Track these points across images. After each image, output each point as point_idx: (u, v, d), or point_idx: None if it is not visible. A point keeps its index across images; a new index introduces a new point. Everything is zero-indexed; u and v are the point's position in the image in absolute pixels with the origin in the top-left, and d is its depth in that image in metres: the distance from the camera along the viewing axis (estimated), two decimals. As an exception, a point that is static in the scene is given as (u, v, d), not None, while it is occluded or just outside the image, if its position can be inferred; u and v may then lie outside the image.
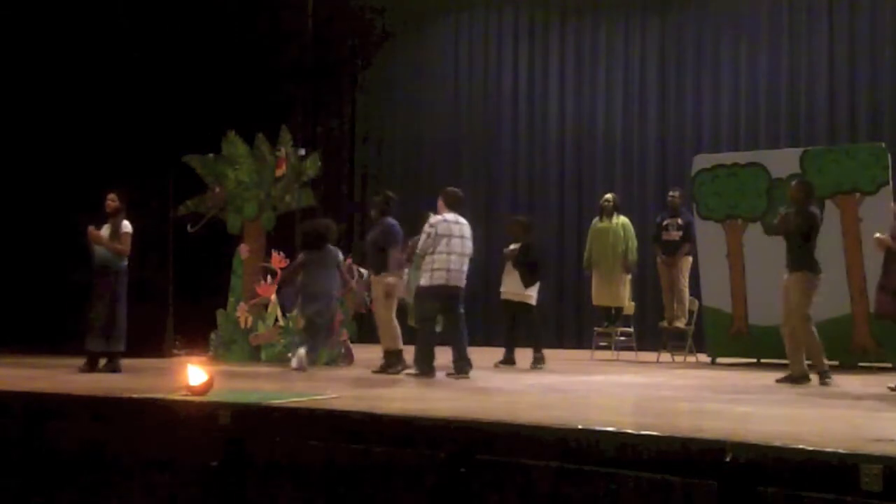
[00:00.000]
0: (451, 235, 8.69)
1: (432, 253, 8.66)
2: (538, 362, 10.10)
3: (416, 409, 5.85)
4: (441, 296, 8.69)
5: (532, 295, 10.30)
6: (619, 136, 14.48)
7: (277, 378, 8.66)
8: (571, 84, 14.88)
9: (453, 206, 8.95)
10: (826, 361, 8.37)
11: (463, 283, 8.81)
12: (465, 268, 8.81)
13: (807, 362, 8.46)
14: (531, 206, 14.64)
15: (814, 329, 8.30)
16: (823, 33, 13.29)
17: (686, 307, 11.76)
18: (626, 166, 14.40)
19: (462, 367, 8.73)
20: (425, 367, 8.68)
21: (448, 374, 8.72)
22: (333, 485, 5.43)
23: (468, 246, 8.84)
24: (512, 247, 10.45)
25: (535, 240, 10.71)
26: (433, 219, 8.87)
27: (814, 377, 8.35)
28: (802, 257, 8.28)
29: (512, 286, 10.34)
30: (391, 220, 9.44)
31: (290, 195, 11.43)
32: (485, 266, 12.42)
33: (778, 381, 8.40)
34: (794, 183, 8.82)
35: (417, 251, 8.88)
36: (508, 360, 10.29)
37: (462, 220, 8.90)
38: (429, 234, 8.71)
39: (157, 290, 11.51)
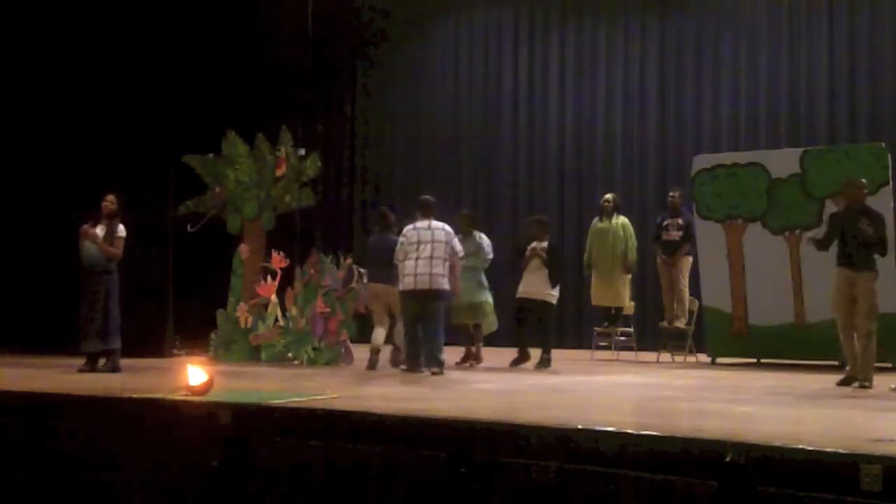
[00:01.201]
0: (418, 242, 9.13)
1: (403, 260, 9.18)
2: (545, 363, 10.07)
3: (416, 409, 5.85)
4: (413, 298, 9.12)
5: (555, 294, 10.27)
6: (619, 136, 14.45)
7: (277, 378, 8.67)
8: (571, 84, 14.87)
9: (425, 213, 9.38)
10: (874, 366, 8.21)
11: (436, 284, 9.09)
12: (439, 269, 9.10)
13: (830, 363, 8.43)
14: (531, 206, 14.62)
15: (874, 336, 8.16)
16: (823, 33, 13.28)
17: (686, 307, 11.75)
18: (626, 166, 14.38)
19: (429, 364, 9.11)
20: (412, 364, 9.21)
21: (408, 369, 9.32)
22: (334, 485, 5.43)
23: (441, 248, 9.14)
24: (534, 244, 10.34)
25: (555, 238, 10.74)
26: (404, 229, 9.35)
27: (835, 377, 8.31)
28: (871, 256, 8.13)
29: (533, 285, 10.21)
30: (372, 238, 10.13)
31: (290, 195, 11.44)
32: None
33: (838, 383, 8.10)
34: (844, 182, 8.61)
35: (394, 260, 9.34)
36: (524, 359, 10.24)
37: (436, 224, 9.29)
38: (401, 244, 9.26)
39: (157, 290, 11.50)
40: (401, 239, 9.29)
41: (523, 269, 10.34)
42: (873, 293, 8.11)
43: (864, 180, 8.63)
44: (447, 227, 9.32)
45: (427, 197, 9.66)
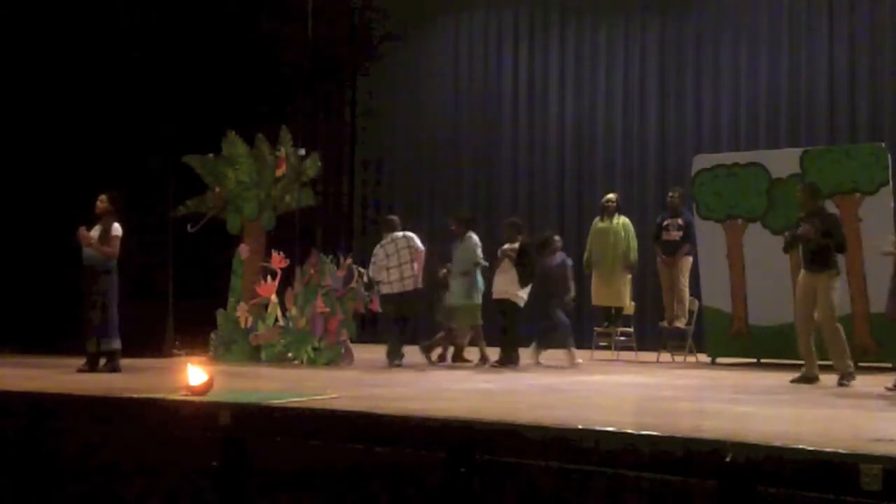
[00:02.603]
0: (387, 256, 10.37)
1: (380, 272, 10.41)
2: (508, 362, 10.17)
3: (416, 409, 5.85)
4: (388, 302, 10.45)
5: (521, 295, 10.34)
6: (619, 136, 14.45)
7: (277, 378, 8.67)
8: (571, 84, 14.86)
9: (388, 230, 10.58)
10: (850, 363, 8.30)
11: (407, 287, 10.28)
12: (409, 272, 10.29)
13: (821, 363, 8.45)
14: (531, 206, 14.64)
15: (840, 330, 8.27)
16: (823, 33, 13.27)
17: (686, 307, 11.75)
18: (626, 166, 14.38)
19: (391, 359, 10.22)
20: (395, 360, 10.17)
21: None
22: (333, 485, 5.43)
23: (404, 254, 10.33)
24: (505, 246, 10.47)
25: (530, 240, 10.81)
26: (375, 249, 10.55)
27: (833, 377, 8.30)
28: (825, 257, 8.27)
29: (502, 285, 10.38)
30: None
31: (290, 195, 11.44)
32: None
33: (792, 381, 8.34)
34: (799, 187, 8.81)
35: (375, 277, 10.50)
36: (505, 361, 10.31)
37: (396, 234, 10.46)
38: (373, 263, 10.45)
39: (157, 290, 11.51)
40: (373, 259, 10.45)
41: (495, 271, 10.55)
42: (828, 291, 8.22)
43: (813, 185, 8.76)
44: (407, 234, 10.45)
45: (390, 216, 10.96)
